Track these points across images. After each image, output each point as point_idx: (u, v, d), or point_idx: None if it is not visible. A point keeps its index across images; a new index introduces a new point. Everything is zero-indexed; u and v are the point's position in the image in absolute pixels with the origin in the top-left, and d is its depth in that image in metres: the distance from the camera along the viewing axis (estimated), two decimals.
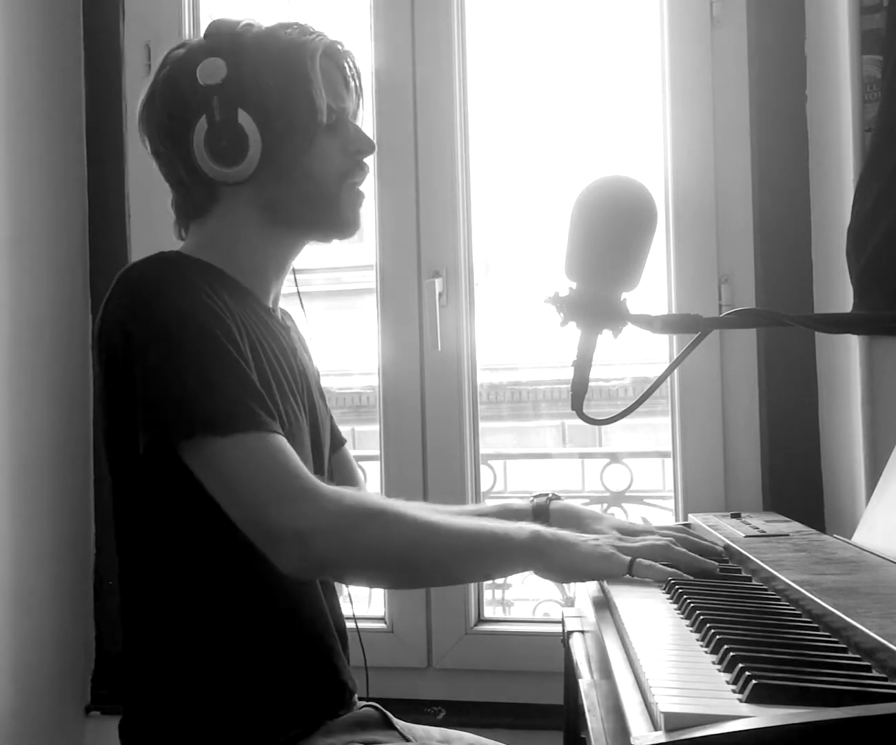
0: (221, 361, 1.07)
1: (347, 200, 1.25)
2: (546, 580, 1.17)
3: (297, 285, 1.38)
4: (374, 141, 1.28)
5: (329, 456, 1.35)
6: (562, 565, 1.10)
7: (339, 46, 1.25)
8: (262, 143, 1.18)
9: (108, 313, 1.13)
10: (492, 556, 1.11)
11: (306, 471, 1.07)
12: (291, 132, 1.19)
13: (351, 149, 1.24)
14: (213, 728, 1.13)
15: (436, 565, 1.12)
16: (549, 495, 1.40)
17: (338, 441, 1.44)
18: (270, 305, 1.28)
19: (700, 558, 1.10)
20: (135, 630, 1.18)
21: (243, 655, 1.14)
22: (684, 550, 1.11)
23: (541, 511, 1.38)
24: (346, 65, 1.26)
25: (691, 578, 1.05)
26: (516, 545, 1.09)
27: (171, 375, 1.06)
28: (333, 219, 1.25)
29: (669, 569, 1.06)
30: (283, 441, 1.07)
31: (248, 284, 1.23)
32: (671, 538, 1.15)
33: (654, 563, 1.07)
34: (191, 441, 1.05)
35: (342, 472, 1.44)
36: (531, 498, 1.41)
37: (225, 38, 1.20)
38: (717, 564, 1.10)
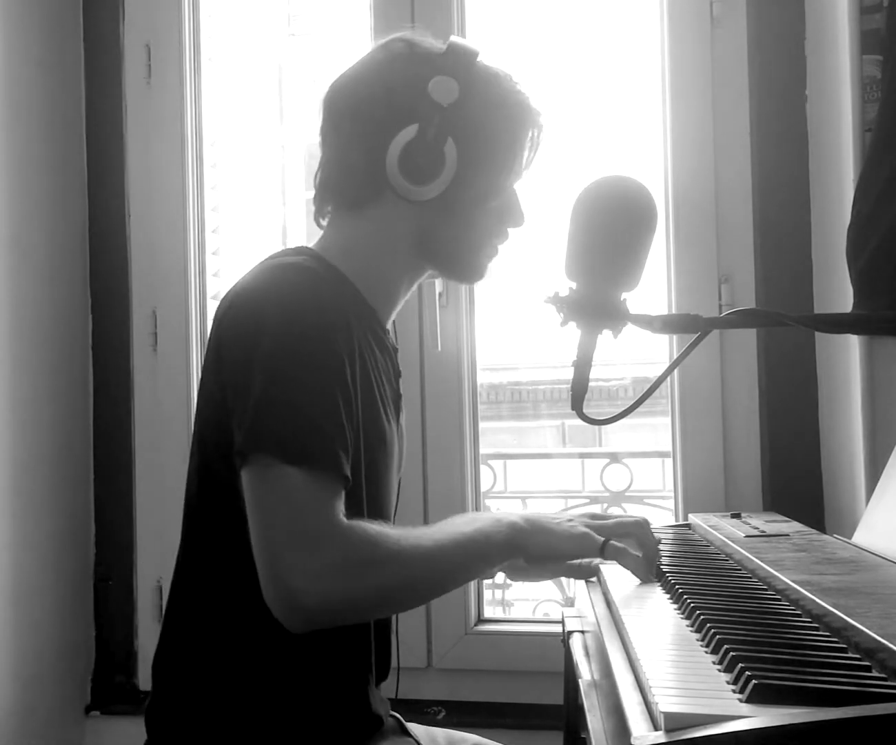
0: (326, 402, 1.04)
1: (486, 256, 1.26)
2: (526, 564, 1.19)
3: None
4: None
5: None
6: (539, 549, 1.12)
7: (544, 118, 1.26)
8: (453, 179, 1.17)
9: (245, 303, 1.10)
10: (477, 564, 1.12)
11: (335, 518, 1.02)
12: (479, 182, 1.19)
13: (507, 218, 1.25)
14: (237, 740, 1.12)
15: (432, 591, 1.14)
16: None
17: None
18: (388, 325, 1.27)
19: (655, 556, 1.13)
20: (180, 626, 1.17)
21: (277, 677, 1.12)
22: (651, 535, 1.15)
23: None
24: (542, 137, 1.26)
25: (689, 576, 1.05)
26: (496, 546, 1.10)
27: (279, 399, 1.03)
28: (470, 269, 1.27)
29: (639, 559, 1.10)
30: (338, 489, 1.03)
31: (375, 303, 1.22)
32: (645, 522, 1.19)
33: (624, 547, 1.11)
34: (260, 457, 1.02)
35: None
36: None
37: (463, 64, 1.18)
38: (655, 579, 1.10)
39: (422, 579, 1.08)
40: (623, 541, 1.12)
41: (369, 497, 1.12)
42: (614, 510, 3.41)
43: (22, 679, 1.92)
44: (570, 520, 1.14)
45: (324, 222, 1.26)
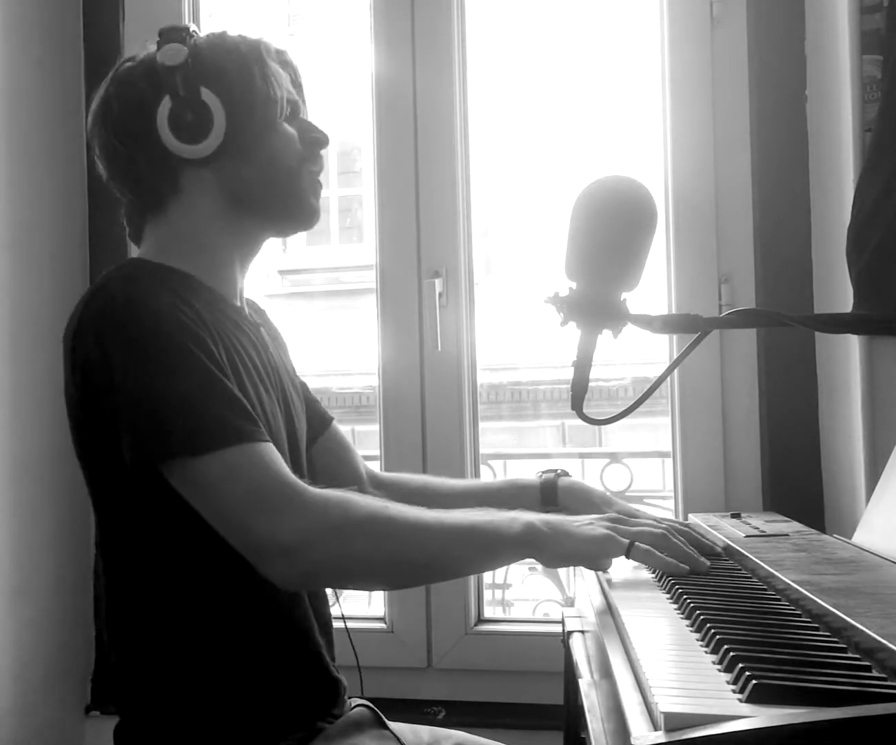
0: (200, 377, 1.06)
1: (309, 187, 1.25)
2: (543, 565, 1.17)
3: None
4: (327, 135, 1.29)
5: (309, 447, 1.34)
6: (557, 552, 1.09)
7: (286, 54, 1.28)
8: (225, 119, 1.18)
9: (83, 333, 1.12)
10: (483, 552, 1.11)
11: (291, 478, 1.05)
12: (253, 113, 1.20)
13: (308, 137, 1.25)
14: (208, 735, 1.13)
15: (426, 567, 1.12)
16: (558, 472, 1.40)
17: (324, 422, 1.44)
18: (238, 303, 1.27)
19: (694, 554, 1.10)
20: (124, 637, 1.17)
21: (233, 660, 1.13)
22: (680, 543, 1.11)
23: (548, 488, 1.38)
24: (292, 70, 1.28)
25: (687, 574, 1.05)
26: (507, 540, 1.08)
27: (150, 397, 1.05)
28: (296, 204, 1.25)
29: (669, 559, 1.06)
30: (268, 449, 1.06)
31: (215, 286, 1.22)
32: (670, 528, 1.15)
33: (651, 549, 1.07)
34: (173, 462, 1.05)
35: (334, 453, 1.44)
36: (540, 474, 1.41)
37: (179, 32, 1.21)
38: (709, 563, 1.09)
39: (413, 548, 1.08)
40: None
41: None
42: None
43: (22, 679, 1.92)
44: (591, 523, 1.11)
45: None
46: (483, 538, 1.09)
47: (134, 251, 1.30)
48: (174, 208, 1.23)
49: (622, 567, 1.12)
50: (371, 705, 1.28)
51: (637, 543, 1.08)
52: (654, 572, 1.10)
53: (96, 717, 2.08)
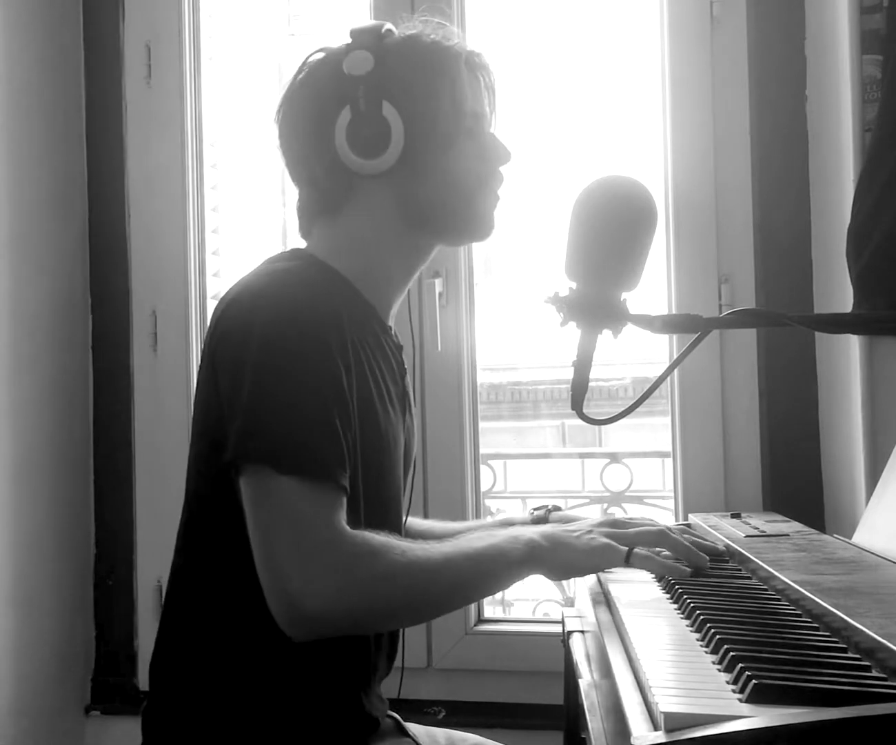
0: (319, 408, 1.04)
1: (484, 204, 1.24)
2: (548, 579, 1.17)
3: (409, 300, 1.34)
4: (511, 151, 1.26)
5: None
6: (560, 565, 1.11)
7: (480, 57, 1.25)
8: (404, 136, 1.16)
9: (239, 310, 1.10)
10: (491, 580, 1.11)
11: (337, 529, 1.01)
12: (434, 129, 1.18)
13: (489, 156, 1.24)
14: (239, 739, 1.12)
15: (437, 604, 1.12)
16: (549, 508, 1.41)
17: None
18: (390, 322, 1.26)
19: (694, 548, 1.11)
20: (176, 628, 1.17)
21: (275, 678, 1.12)
22: (679, 538, 1.13)
23: (540, 524, 1.38)
24: (484, 75, 1.26)
25: (688, 575, 1.05)
26: (513, 562, 1.09)
27: (271, 405, 1.03)
28: (471, 223, 1.24)
29: (668, 562, 1.07)
30: (339, 499, 1.03)
31: (373, 299, 1.21)
32: (668, 527, 1.17)
33: (651, 554, 1.08)
34: (256, 466, 1.02)
35: None
36: (531, 512, 1.42)
37: (370, 36, 1.19)
38: (707, 558, 1.10)
39: (428, 592, 1.07)
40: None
41: (371, 499, 1.12)
42: (614, 511, 3.41)
43: (22, 679, 1.92)
44: (590, 532, 1.12)
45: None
46: (491, 565, 1.09)
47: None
48: (346, 213, 1.21)
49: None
50: (392, 712, 1.28)
51: (636, 550, 1.08)
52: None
53: (96, 717, 2.08)
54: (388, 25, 1.22)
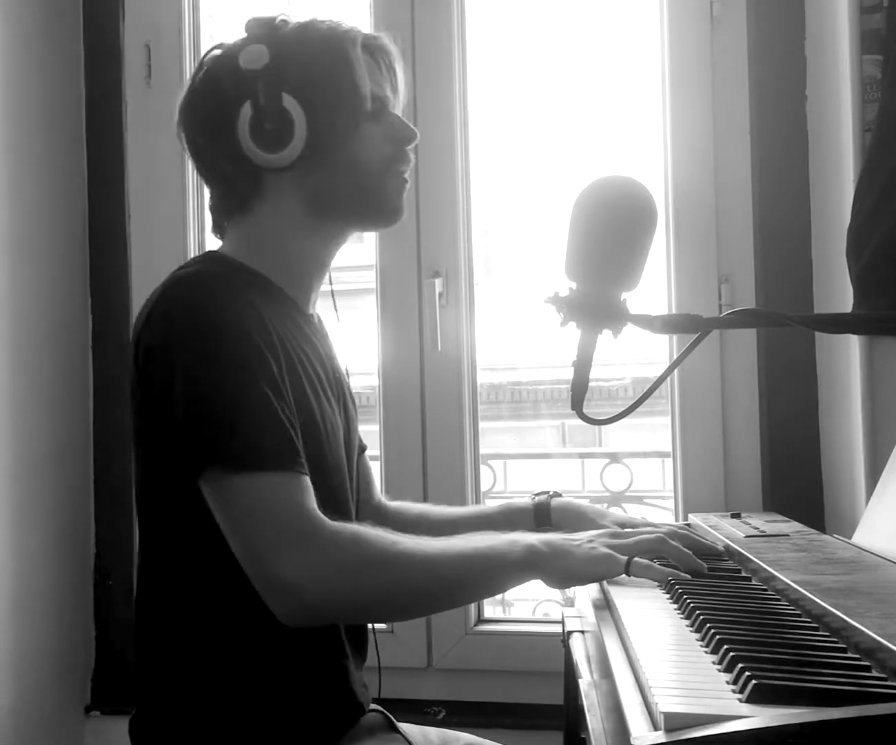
0: (255, 397, 1.05)
1: (393, 187, 1.24)
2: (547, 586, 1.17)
3: (331, 284, 1.35)
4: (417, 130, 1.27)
5: (357, 461, 1.34)
6: (559, 573, 1.10)
7: (378, 39, 1.26)
8: (307, 126, 1.17)
9: (154, 320, 1.11)
10: (487, 580, 1.12)
11: (315, 515, 1.04)
12: (336, 117, 1.19)
13: (395, 136, 1.24)
14: (223, 738, 1.12)
15: (433, 599, 1.13)
16: (551, 493, 1.41)
17: (360, 447, 1.43)
18: (311, 311, 1.27)
19: (692, 554, 1.11)
20: (151, 635, 1.18)
21: (257, 672, 1.13)
22: (678, 544, 1.13)
23: (542, 510, 1.38)
24: (383, 57, 1.26)
25: (689, 577, 1.05)
26: (510, 565, 1.09)
27: (208, 408, 1.04)
28: (378, 206, 1.24)
29: (667, 569, 1.07)
30: (303, 482, 1.05)
31: (290, 291, 1.22)
32: (669, 532, 1.17)
33: (651, 563, 1.08)
34: (209, 471, 1.04)
35: (360, 481, 1.42)
36: (532, 497, 1.42)
37: (264, 28, 1.20)
38: (705, 565, 1.10)
39: (421, 584, 1.08)
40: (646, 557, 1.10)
41: (316, 484, 1.10)
42: (614, 511, 3.40)
43: (22, 679, 1.92)
44: (591, 541, 1.12)
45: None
46: (487, 565, 1.09)
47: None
48: (257, 210, 1.22)
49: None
50: (382, 709, 1.28)
51: (635, 559, 1.08)
52: None
53: (96, 717, 2.08)
54: (283, 15, 1.22)
